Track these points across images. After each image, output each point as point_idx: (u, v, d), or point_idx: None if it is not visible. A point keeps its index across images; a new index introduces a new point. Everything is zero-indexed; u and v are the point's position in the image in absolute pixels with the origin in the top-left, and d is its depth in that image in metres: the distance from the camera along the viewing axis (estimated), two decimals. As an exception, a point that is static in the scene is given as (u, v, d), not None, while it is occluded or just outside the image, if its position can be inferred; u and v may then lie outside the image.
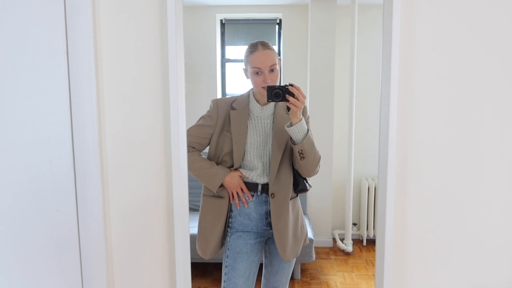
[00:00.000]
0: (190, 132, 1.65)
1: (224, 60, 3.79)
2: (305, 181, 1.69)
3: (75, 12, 1.14)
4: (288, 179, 1.63)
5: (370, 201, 3.57)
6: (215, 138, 1.65)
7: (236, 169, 1.62)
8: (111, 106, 1.21)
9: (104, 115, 1.21)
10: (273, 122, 1.64)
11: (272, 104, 1.66)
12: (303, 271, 3.11)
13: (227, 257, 1.65)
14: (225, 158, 1.63)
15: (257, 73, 1.57)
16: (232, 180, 1.60)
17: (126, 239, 1.27)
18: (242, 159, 1.62)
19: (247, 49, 1.63)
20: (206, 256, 1.65)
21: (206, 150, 1.71)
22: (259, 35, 3.77)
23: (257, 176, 1.62)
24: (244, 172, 1.62)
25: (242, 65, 1.69)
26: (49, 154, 1.18)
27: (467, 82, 1.21)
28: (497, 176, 1.24)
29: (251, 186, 1.63)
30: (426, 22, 1.19)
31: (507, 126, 1.22)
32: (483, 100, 1.22)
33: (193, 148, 1.66)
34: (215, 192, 1.62)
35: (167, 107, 1.21)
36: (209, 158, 1.69)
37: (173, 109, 1.20)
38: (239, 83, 3.79)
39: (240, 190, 1.61)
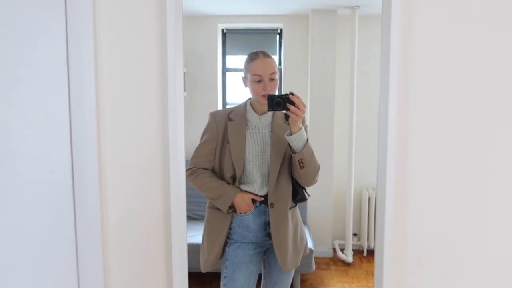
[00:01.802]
0: (198, 153, 1.64)
1: (225, 69, 3.81)
2: (304, 191, 1.68)
3: (76, 23, 1.15)
4: (287, 189, 1.62)
5: (371, 211, 3.56)
6: (218, 151, 1.64)
7: (246, 191, 1.61)
8: (111, 116, 1.22)
9: (104, 125, 1.21)
10: (271, 131, 1.64)
11: (270, 113, 1.65)
12: (302, 281, 3.09)
13: (226, 268, 1.63)
14: (227, 171, 1.62)
15: (258, 81, 1.57)
16: (243, 202, 1.59)
17: (124, 249, 1.26)
18: (243, 171, 1.61)
19: (247, 57, 1.64)
20: (205, 268, 1.64)
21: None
22: (260, 45, 3.79)
23: (258, 189, 1.62)
24: (244, 187, 1.61)
25: (242, 74, 1.69)
26: (48, 164, 1.17)
27: (464, 92, 1.21)
28: (497, 186, 1.24)
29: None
30: (423, 34, 1.20)
31: (505, 133, 1.22)
32: (481, 110, 1.22)
33: (205, 168, 1.65)
34: (226, 213, 1.61)
35: (166, 118, 1.21)
36: (214, 170, 1.68)
37: (172, 120, 1.20)
38: (240, 92, 3.81)
39: (249, 211, 1.61)
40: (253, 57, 1.61)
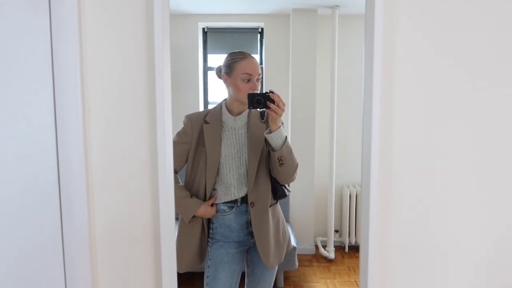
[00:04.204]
0: None
1: (206, 68, 3.80)
2: (283, 187, 1.69)
3: (61, 26, 1.12)
4: (266, 187, 1.63)
5: (352, 207, 3.61)
6: (192, 155, 1.63)
7: (210, 200, 1.62)
8: (97, 119, 1.19)
9: (90, 128, 1.19)
10: (247, 131, 1.64)
11: (245, 114, 1.65)
12: (286, 279, 3.11)
13: (208, 267, 1.64)
14: (201, 175, 1.62)
15: (247, 80, 1.57)
16: (206, 212, 1.61)
17: (111, 255, 1.24)
18: (217, 174, 1.61)
19: (232, 56, 1.62)
20: (180, 269, 1.62)
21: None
22: (241, 44, 3.79)
23: (235, 191, 1.62)
24: (219, 194, 1.62)
25: (222, 73, 1.65)
26: (33, 169, 1.15)
27: (448, 91, 1.24)
28: (480, 182, 1.28)
29: (231, 200, 1.63)
30: (407, 34, 1.22)
31: (487, 135, 1.26)
32: (464, 108, 1.25)
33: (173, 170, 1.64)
34: (187, 222, 1.62)
35: (154, 121, 1.20)
36: (186, 175, 1.67)
37: (160, 123, 1.18)
38: (221, 91, 3.80)
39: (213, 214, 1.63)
40: (241, 56, 1.60)
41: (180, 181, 1.66)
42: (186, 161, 1.66)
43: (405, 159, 1.26)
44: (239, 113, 1.65)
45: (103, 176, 1.21)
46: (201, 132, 1.63)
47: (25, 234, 1.17)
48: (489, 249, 1.31)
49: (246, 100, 1.56)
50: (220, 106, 1.68)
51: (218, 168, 1.60)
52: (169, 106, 1.20)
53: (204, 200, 1.62)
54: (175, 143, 1.64)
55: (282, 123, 1.60)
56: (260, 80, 1.60)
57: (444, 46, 1.23)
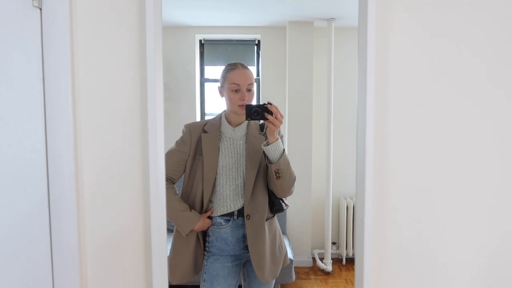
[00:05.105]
0: (165, 159, 1.62)
1: (203, 80, 3.80)
2: (281, 201, 1.68)
3: (52, 39, 1.12)
4: (263, 200, 1.62)
5: (349, 220, 3.59)
6: (189, 164, 1.63)
7: (207, 212, 1.61)
8: (88, 130, 1.19)
9: (81, 141, 1.18)
10: (245, 142, 1.64)
11: (244, 125, 1.66)
12: (283, 292, 3.08)
13: (204, 281, 1.61)
14: (198, 185, 1.61)
15: (235, 90, 1.58)
16: (203, 225, 1.60)
17: (101, 270, 1.22)
18: (214, 185, 1.60)
19: (225, 68, 1.64)
20: (173, 280, 1.61)
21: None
22: (238, 56, 3.81)
23: (231, 203, 1.60)
24: (216, 206, 1.61)
25: (219, 85, 1.69)
26: (22, 181, 1.13)
27: (443, 103, 1.25)
28: (476, 191, 1.27)
29: (228, 213, 1.62)
30: (399, 48, 1.23)
31: (482, 149, 1.26)
32: (460, 120, 1.25)
33: (171, 179, 1.63)
34: (184, 236, 1.60)
35: (146, 135, 1.19)
36: (183, 185, 1.66)
37: (152, 137, 1.17)
38: (218, 103, 3.80)
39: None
40: (232, 67, 1.62)
41: (178, 192, 1.65)
42: (184, 170, 1.65)
43: (399, 172, 1.26)
44: (238, 124, 1.65)
45: (94, 187, 1.20)
46: (199, 141, 1.63)
47: (13, 247, 1.14)
48: (486, 260, 1.30)
49: (238, 111, 1.57)
50: (220, 116, 1.69)
51: (215, 179, 1.59)
52: (161, 114, 1.19)
53: (200, 211, 1.61)
54: (174, 151, 1.64)
55: (282, 136, 1.60)
56: (251, 90, 1.60)
57: (437, 59, 1.24)
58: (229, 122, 1.66)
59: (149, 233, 1.22)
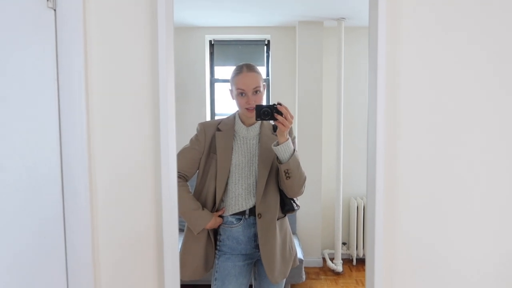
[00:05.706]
0: (179, 157, 1.64)
1: (213, 80, 3.82)
2: (292, 201, 1.68)
3: (66, 35, 1.13)
4: (274, 199, 1.62)
5: (359, 220, 3.57)
6: (203, 162, 1.64)
7: (219, 211, 1.62)
8: (101, 131, 1.20)
9: (94, 140, 1.19)
10: (258, 142, 1.65)
11: (257, 124, 1.67)
12: (293, 292, 3.07)
13: (215, 280, 1.62)
14: (210, 182, 1.62)
15: (241, 94, 1.59)
16: (215, 223, 1.61)
17: (115, 272, 1.24)
18: (226, 183, 1.61)
19: (233, 70, 1.65)
20: (184, 277, 1.62)
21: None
22: (247, 56, 3.81)
23: (243, 202, 1.61)
24: (227, 205, 1.61)
25: (229, 87, 1.70)
26: (37, 180, 1.14)
27: (453, 103, 1.23)
28: (486, 193, 1.26)
29: (239, 211, 1.62)
30: (411, 46, 1.22)
31: (493, 144, 1.25)
32: (471, 121, 1.24)
33: (184, 176, 1.64)
34: (195, 234, 1.62)
35: (157, 138, 1.20)
36: (196, 183, 1.67)
37: (163, 140, 1.19)
38: (228, 103, 3.81)
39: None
40: (238, 71, 1.62)
41: (191, 190, 1.66)
42: (198, 168, 1.66)
43: (410, 173, 1.25)
44: (252, 124, 1.66)
45: (107, 186, 1.22)
46: (213, 139, 1.64)
47: (27, 247, 1.15)
48: (496, 263, 1.28)
49: (246, 114, 1.59)
50: (234, 115, 1.71)
51: (228, 177, 1.60)
52: (173, 114, 1.21)
53: (212, 209, 1.62)
54: (188, 149, 1.66)
55: (295, 138, 1.60)
56: (259, 92, 1.59)
57: (449, 58, 1.22)
58: (243, 122, 1.67)
59: (161, 236, 1.23)
